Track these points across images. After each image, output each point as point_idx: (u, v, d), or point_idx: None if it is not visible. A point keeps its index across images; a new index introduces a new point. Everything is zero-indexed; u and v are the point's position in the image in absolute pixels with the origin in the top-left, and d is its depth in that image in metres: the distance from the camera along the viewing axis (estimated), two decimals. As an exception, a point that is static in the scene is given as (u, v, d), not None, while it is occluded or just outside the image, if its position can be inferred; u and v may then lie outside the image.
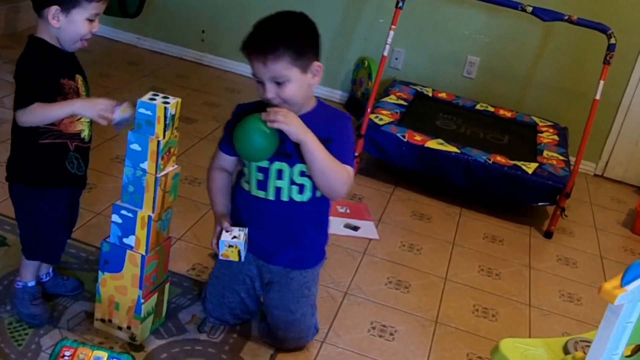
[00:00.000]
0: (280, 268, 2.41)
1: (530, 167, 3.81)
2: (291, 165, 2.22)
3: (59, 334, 2.38)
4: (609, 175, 4.84)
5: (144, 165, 2.20)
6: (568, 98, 4.73)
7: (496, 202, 3.99)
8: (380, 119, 4.02)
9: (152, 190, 2.22)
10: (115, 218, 2.28)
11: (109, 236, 2.32)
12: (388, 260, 3.28)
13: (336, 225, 3.38)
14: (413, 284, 3.13)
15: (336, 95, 5.15)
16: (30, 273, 2.43)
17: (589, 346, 1.86)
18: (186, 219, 3.23)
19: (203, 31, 5.34)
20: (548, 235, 3.82)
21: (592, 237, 3.95)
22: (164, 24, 5.33)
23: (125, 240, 2.30)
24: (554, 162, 3.96)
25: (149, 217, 2.25)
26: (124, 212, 2.27)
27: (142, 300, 2.35)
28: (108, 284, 2.36)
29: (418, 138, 3.88)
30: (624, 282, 1.47)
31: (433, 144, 3.86)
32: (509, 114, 4.59)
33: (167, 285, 2.50)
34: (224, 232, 2.28)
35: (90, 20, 2.19)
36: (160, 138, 2.16)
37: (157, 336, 2.47)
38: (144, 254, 2.29)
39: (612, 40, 3.67)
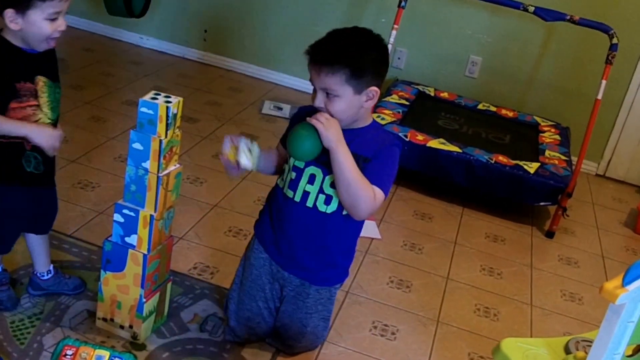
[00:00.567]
0: (294, 278, 2.38)
1: (532, 167, 3.81)
2: (325, 173, 2.20)
3: (61, 332, 2.39)
4: (611, 175, 4.83)
5: (146, 165, 2.20)
6: (570, 98, 4.74)
7: (498, 202, 3.99)
8: (383, 119, 4.02)
9: (154, 190, 2.23)
10: (117, 217, 2.29)
11: (111, 235, 2.33)
12: (390, 260, 3.28)
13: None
14: (415, 283, 3.14)
15: (338, 94, 5.15)
16: None
17: (590, 346, 1.86)
18: (188, 218, 3.23)
19: (205, 31, 5.34)
20: (550, 235, 3.82)
21: (594, 237, 3.95)
22: (167, 23, 5.34)
23: (127, 239, 2.30)
24: (556, 161, 3.96)
25: (151, 216, 2.25)
26: (126, 211, 2.27)
27: (144, 300, 2.35)
28: (110, 283, 2.37)
29: (420, 138, 3.88)
30: (625, 282, 1.47)
31: (435, 143, 3.86)
32: (510, 114, 4.59)
33: (169, 285, 2.51)
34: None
35: (52, 20, 2.13)
36: (163, 137, 2.16)
37: (159, 335, 2.48)
38: (146, 253, 2.29)
39: (614, 40, 3.67)
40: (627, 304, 1.50)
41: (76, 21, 5.53)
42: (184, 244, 3.04)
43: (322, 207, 2.25)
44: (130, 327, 2.40)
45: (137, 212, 2.26)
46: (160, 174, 2.21)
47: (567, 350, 2.05)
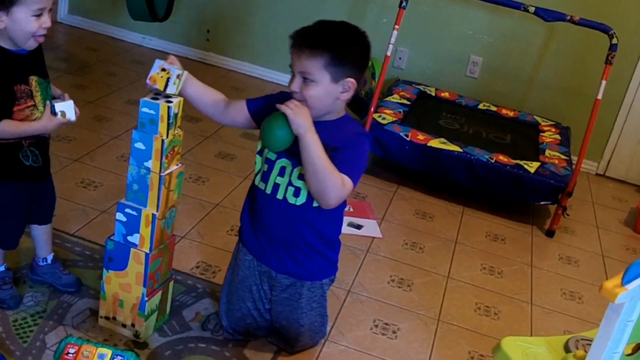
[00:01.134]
0: (282, 278, 2.39)
1: (532, 166, 3.82)
2: (294, 165, 2.21)
3: (64, 331, 2.40)
4: (611, 174, 4.84)
5: (148, 164, 2.21)
6: (570, 98, 4.74)
7: (498, 201, 4.00)
8: (384, 118, 4.03)
9: (156, 189, 2.24)
10: (119, 216, 2.30)
11: (113, 234, 2.34)
12: (391, 259, 3.29)
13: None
14: (416, 282, 3.15)
15: (339, 94, 5.16)
16: None
17: (590, 344, 1.86)
18: (190, 217, 3.24)
19: (208, 31, 5.35)
20: (550, 234, 3.83)
21: (594, 236, 3.96)
22: (169, 23, 5.32)
23: (129, 238, 2.31)
24: (556, 161, 3.97)
25: (153, 215, 2.26)
26: (128, 210, 2.28)
27: (146, 298, 2.36)
28: (112, 281, 2.38)
29: (421, 137, 3.89)
30: (625, 281, 1.47)
31: (436, 143, 3.87)
32: (511, 114, 4.60)
33: (171, 283, 2.52)
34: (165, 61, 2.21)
35: (37, 16, 2.13)
36: (164, 137, 2.18)
37: (161, 333, 2.49)
38: (148, 252, 2.30)
39: (614, 40, 3.68)
40: (627, 303, 1.50)
41: (79, 21, 5.55)
42: (186, 243, 3.05)
43: (291, 200, 2.25)
44: (133, 325, 2.41)
45: (139, 211, 2.27)
46: (162, 174, 2.22)
47: (567, 349, 2.05)
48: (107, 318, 2.44)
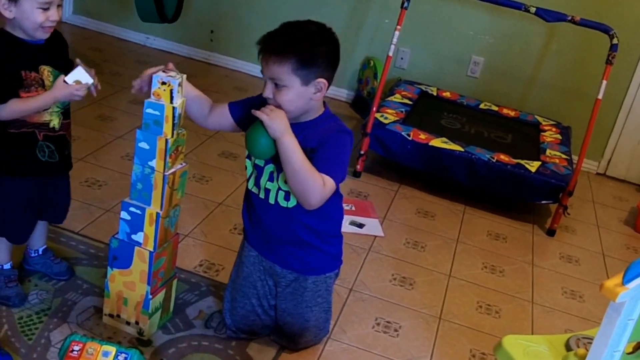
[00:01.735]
0: (287, 273, 2.40)
1: (533, 166, 3.83)
2: (279, 170, 2.21)
3: (68, 328, 2.42)
4: (611, 173, 4.86)
5: (153, 163, 2.23)
6: (571, 97, 4.76)
7: (499, 200, 4.01)
8: (386, 118, 4.05)
9: (160, 188, 2.25)
10: (124, 215, 2.31)
11: (117, 233, 2.36)
12: (393, 257, 3.31)
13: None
14: (417, 280, 3.16)
15: (342, 94, 5.18)
16: (4, 255, 2.50)
17: (591, 343, 1.87)
18: (194, 216, 3.26)
19: (212, 31, 5.37)
20: (551, 233, 3.84)
21: (595, 235, 3.97)
22: (173, 24, 5.35)
23: (133, 236, 2.33)
24: (557, 160, 3.98)
25: (157, 214, 2.28)
26: (132, 209, 2.30)
27: (150, 296, 2.38)
28: (117, 279, 2.40)
29: (423, 136, 3.91)
30: (626, 280, 1.48)
31: (437, 142, 3.88)
32: (512, 113, 4.61)
33: (174, 281, 2.54)
34: (161, 72, 2.20)
35: (44, 9, 2.19)
36: (169, 137, 2.19)
37: (165, 331, 2.50)
38: (152, 250, 2.32)
39: (615, 41, 3.69)
40: (627, 302, 1.50)
41: (84, 21, 5.56)
42: (189, 242, 3.07)
43: (283, 203, 2.27)
44: (137, 323, 2.43)
45: (143, 210, 2.28)
46: (166, 173, 2.24)
47: (568, 347, 2.06)
48: (111, 316, 2.46)
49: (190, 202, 3.33)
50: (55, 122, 2.34)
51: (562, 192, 3.76)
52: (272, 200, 2.28)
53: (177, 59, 5.32)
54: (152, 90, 2.18)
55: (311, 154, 2.15)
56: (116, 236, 2.36)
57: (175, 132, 2.20)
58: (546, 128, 4.47)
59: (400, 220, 3.67)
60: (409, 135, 3.89)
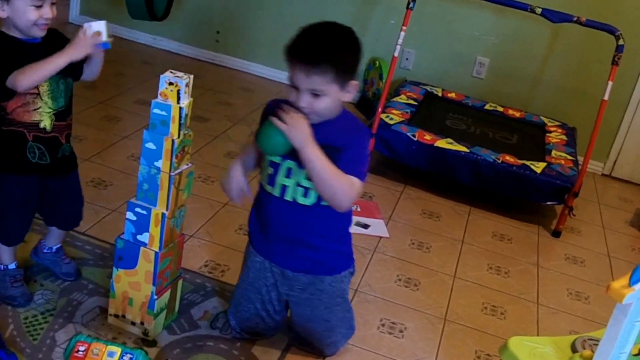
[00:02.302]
0: (300, 276, 2.37)
1: (538, 167, 3.83)
2: (300, 166, 2.19)
3: (74, 329, 2.42)
4: (617, 174, 4.85)
5: (159, 164, 2.23)
6: (576, 98, 4.75)
7: (505, 201, 4.01)
8: (391, 119, 4.05)
9: (166, 188, 2.25)
10: (129, 215, 2.32)
11: (123, 233, 2.36)
12: (398, 258, 3.30)
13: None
14: (422, 281, 3.16)
15: (347, 94, 5.17)
16: (8, 256, 2.50)
17: (596, 344, 1.87)
18: (199, 217, 3.26)
19: (218, 32, 5.38)
20: (556, 234, 3.84)
21: (600, 236, 3.97)
22: (179, 24, 5.37)
23: (139, 237, 2.33)
24: (562, 161, 3.98)
25: (163, 214, 2.28)
26: (138, 209, 2.30)
27: (155, 297, 2.38)
28: (122, 280, 2.40)
29: (428, 137, 3.91)
30: (632, 282, 1.48)
31: (442, 143, 3.88)
32: (517, 114, 4.61)
33: (180, 282, 2.54)
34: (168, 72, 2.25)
35: (37, 7, 2.20)
36: (175, 137, 2.19)
37: (170, 332, 2.50)
38: (157, 250, 2.32)
39: (621, 42, 3.69)
40: (634, 303, 1.50)
41: (87, 21, 5.55)
42: (195, 242, 3.07)
43: (300, 200, 2.25)
44: (142, 323, 2.43)
45: (149, 210, 2.29)
46: (172, 173, 2.24)
47: (574, 349, 2.05)
48: (116, 316, 2.46)
49: (195, 203, 3.33)
50: (46, 123, 2.31)
51: (567, 193, 3.76)
52: (288, 197, 2.25)
53: (183, 60, 5.34)
54: (159, 90, 2.19)
55: (336, 153, 2.14)
56: (122, 236, 2.36)
57: (181, 132, 2.21)
58: (552, 129, 4.47)
59: (405, 221, 3.67)
60: (414, 136, 3.89)
